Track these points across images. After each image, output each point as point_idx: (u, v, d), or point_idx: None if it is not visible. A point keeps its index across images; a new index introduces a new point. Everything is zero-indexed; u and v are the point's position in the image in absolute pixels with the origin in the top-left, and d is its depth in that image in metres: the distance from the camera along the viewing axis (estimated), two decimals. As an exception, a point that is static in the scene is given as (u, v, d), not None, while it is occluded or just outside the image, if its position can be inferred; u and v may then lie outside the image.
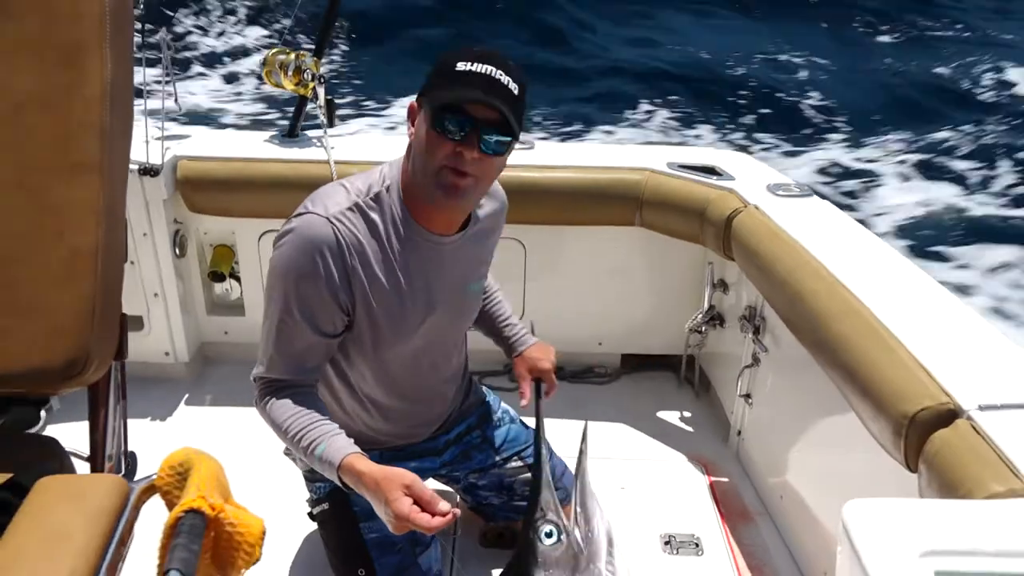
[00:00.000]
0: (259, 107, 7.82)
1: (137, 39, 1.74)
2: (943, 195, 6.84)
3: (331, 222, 1.51)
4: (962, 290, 5.33)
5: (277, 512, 2.13)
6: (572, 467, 1.89)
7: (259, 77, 2.82)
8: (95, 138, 1.22)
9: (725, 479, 2.55)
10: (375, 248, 1.56)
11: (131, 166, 2.55)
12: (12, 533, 0.98)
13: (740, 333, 2.54)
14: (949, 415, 1.47)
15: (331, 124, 2.76)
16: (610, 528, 1.50)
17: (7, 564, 0.92)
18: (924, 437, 1.47)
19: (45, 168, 1.21)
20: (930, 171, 7.26)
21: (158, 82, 2.48)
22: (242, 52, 9.15)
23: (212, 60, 8.90)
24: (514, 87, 1.44)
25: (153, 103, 2.51)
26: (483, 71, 1.41)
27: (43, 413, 1.52)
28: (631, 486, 2.45)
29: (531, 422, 2.15)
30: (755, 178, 2.66)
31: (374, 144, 2.95)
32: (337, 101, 2.80)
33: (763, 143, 7.74)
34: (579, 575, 1.44)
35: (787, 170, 4.68)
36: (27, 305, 1.20)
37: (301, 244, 1.51)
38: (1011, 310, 5.26)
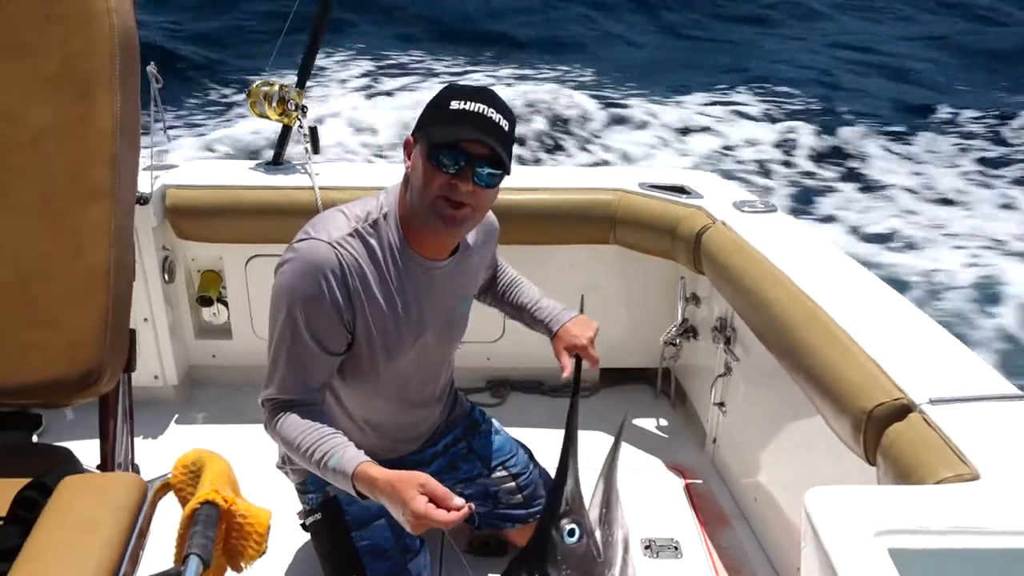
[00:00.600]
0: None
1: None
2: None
3: (334, 247, 1.60)
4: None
5: (272, 525, 2.21)
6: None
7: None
8: (107, 166, 1.32)
9: (702, 484, 2.64)
10: (373, 272, 1.65)
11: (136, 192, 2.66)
12: (41, 527, 1.05)
13: (712, 344, 2.65)
14: (903, 409, 1.57)
15: (316, 151, 2.85)
16: (628, 533, 1.50)
17: (39, 554, 0.99)
18: (881, 431, 1.58)
19: (63, 194, 1.30)
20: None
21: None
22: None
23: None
24: (504, 124, 1.55)
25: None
26: (476, 110, 1.52)
27: (35, 436, 1.58)
28: None
29: (516, 433, 2.25)
30: (722, 196, 2.78)
31: (357, 171, 3.05)
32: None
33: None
34: None
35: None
36: (48, 320, 1.28)
37: (306, 268, 1.59)
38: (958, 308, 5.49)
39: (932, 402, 1.55)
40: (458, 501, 1.40)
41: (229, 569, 1.09)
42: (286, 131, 2.97)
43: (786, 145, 8.41)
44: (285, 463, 1.99)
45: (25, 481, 1.20)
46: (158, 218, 2.76)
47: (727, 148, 8.38)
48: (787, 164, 8.06)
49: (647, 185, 2.85)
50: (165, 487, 1.16)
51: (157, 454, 2.72)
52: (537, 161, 7.56)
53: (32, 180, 1.29)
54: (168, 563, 1.02)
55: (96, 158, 1.31)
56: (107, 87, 1.30)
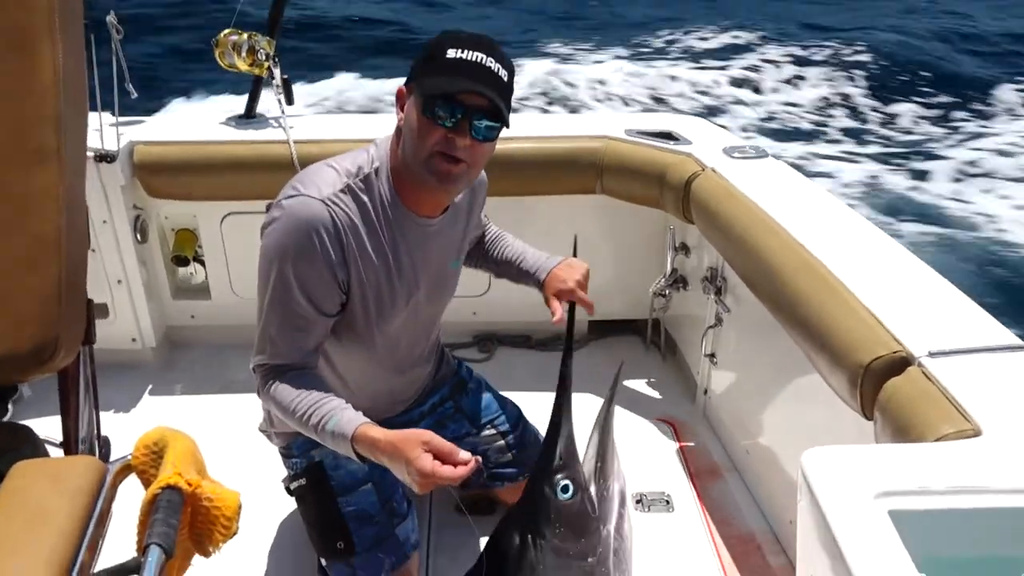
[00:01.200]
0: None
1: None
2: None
3: (326, 203, 1.52)
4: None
5: (255, 489, 2.15)
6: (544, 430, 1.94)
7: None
8: (51, 126, 1.22)
9: (693, 437, 2.61)
10: (367, 229, 1.58)
11: (87, 153, 2.55)
12: None
13: (703, 295, 2.59)
14: (901, 363, 1.52)
15: (290, 103, 2.75)
16: (624, 486, 1.43)
17: None
18: (878, 385, 1.52)
19: (2, 159, 1.20)
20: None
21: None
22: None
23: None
24: (503, 74, 1.46)
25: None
26: (474, 59, 1.43)
27: (10, 406, 1.52)
28: None
29: (504, 389, 2.20)
30: (711, 142, 2.70)
31: (334, 123, 2.94)
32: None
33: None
34: (588, 536, 1.36)
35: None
36: None
37: (297, 225, 1.51)
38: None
39: (932, 355, 1.50)
40: (464, 455, 1.35)
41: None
42: (258, 82, 2.86)
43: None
44: (269, 426, 1.93)
45: None
46: (127, 176, 2.66)
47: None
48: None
49: (634, 132, 2.77)
50: (126, 469, 1.09)
51: (135, 421, 2.68)
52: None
53: None
54: (133, 550, 0.96)
55: (37, 118, 1.21)
56: (46, 39, 1.20)
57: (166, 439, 1.05)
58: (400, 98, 1.54)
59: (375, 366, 1.80)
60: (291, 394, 1.54)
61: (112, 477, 1.11)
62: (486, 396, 2.12)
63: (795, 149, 7.44)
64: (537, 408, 1.96)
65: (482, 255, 2.03)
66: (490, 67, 1.44)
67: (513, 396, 2.19)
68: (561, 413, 1.40)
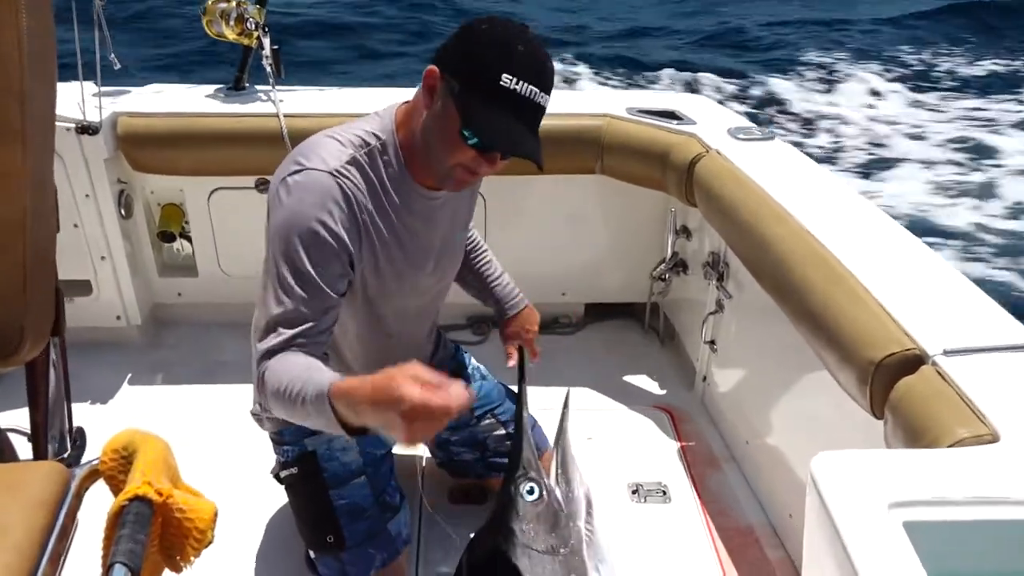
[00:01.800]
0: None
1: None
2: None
3: (335, 176, 1.44)
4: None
5: (242, 475, 2.11)
6: (540, 419, 1.89)
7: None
8: (13, 102, 1.12)
9: (691, 426, 2.55)
10: (375, 202, 1.51)
11: (68, 125, 2.46)
12: None
13: (703, 280, 2.52)
14: (915, 361, 1.45)
15: (279, 75, 2.65)
16: (589, 492, 1.51)
17: None
18: (890, 384, 1.46)
19: None
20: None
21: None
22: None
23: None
24: (547, 101, 1.41)
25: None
26: (529, 95, 1.36)
27: None
28: (598, 436, 2.45)
29: (499, 371, 2.14)
30: (716, 122, 2.61)
31: (325, 97, 2.83)
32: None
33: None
34: (559, 531, 1.45)
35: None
36: None
37: (306, 199, 1.42)
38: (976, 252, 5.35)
39: (947, 353, 1.43)
40: (456, 387, 1.11)
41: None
42: (247, 52, 2.75)
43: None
44: (261, 410, 1.85)
45: None
46: (110, 149, 2.57)
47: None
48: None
49: (636, 110, 2.68)
50: (93, 475, 1.01)
51: (120, 404, 2.60)
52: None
53: None
54: (100, 563, 0.89)
55: None
56: (8, 6, 1.10)
57: (136, 443, 0.97)
58: (431, 80, 1.42)
59: (377, 342, 1.73)
60: (279, 375, 1.38)
61: (77, 484, 1.03)
62: (486, 384, 2.07)
63: None
64: (533, 391, 1.89)
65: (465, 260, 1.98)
66: (541, 104, 1.39)
67: (508, 378, 2.13)
68: (521, 430, 1.54)
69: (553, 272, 2.92)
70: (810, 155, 2.68)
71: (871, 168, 7.06)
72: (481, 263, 2.01)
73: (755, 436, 2.29)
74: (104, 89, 2.53)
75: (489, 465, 2.03)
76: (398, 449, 1.99)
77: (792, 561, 2.02)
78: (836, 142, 7.66)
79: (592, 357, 2.89)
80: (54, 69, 1.22)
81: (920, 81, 9.43)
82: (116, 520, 0.85)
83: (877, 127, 8.02)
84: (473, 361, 2.12)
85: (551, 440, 1.64)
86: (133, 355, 2.81)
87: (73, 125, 2.45)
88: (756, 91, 9.18)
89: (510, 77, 1.34)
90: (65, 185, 2.52)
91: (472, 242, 1.99)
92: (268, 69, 2.62)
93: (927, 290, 1.66)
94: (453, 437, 2.03)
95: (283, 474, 1.87)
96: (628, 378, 2.79)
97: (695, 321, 2.63)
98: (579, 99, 2.90)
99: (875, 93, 9.07)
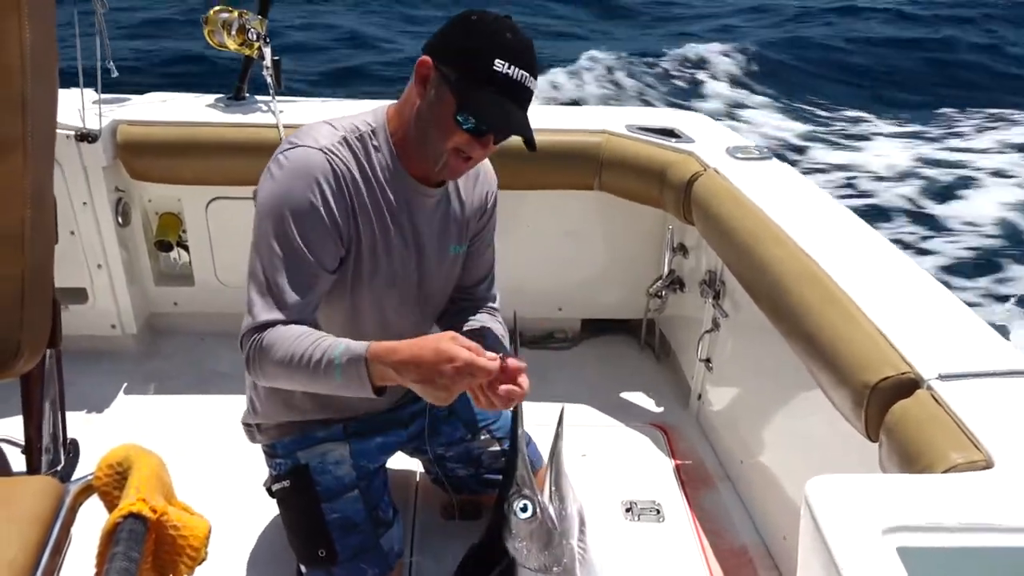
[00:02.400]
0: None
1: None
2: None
3: (325, 153, 1.48)
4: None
5: (234, 487, 2.09)
6: (535, 435, 1.89)
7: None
8: (15, 112, 1.12)
9: (685, 444, 2.55)
10: (366, 184, 1.54)
11: (67, 132, 2.46)
12: None
13: (700, 298, 2.53)
14: (910, 385, 1.46)
15: (279, 86, 2.65)
16: (582, 510, 1.52)
17: None
18: (885, 407, 1.46)
19: None
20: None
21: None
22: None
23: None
24: (535, 86, 1.47)
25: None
26: (520, 79, 1.42)
27: None
28: (592, 453, 2.45)
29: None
30: (714, 140, 2.62)
31: (325, 108, 2.84)
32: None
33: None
34: (552, 549, 1.46)
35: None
36: None
37: (296, 173, 1.46)
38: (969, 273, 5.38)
39: (942, 377, 1.44)
40: (488, 352, 1.36)
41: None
42: (247, 63, 2.77)
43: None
44: (253, 417, 1.84)
45: None
46: (109, 157, 2.57)
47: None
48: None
49: (635, 127, 2.69)
50: (87, 490, 1.01)
51: (114, 414, 2.59)
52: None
53: None
54: (93, 578, 0.89)
55: (0, 104, 1.12)
56: (11, 15, 1.10)
57: (131, 459, 0.96)
58: (423, 70, 1.47)
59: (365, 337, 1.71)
60: (287, 341, 1.42)
61: (71, 499, 1.03)
62: None
63: None
64: (526, 408, 1.89)
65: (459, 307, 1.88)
66: (531, 88, 1.46)
67: None
68: (516, 448, 1.55)
69: (550, 287, 2.92)
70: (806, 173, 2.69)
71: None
72: (476, 316, 1.86)
73: (750, 456, 2.29)
74: (104, 97, 2.53)
75: (483, 481, 2.02)
76: (393, 463, 1.99)
77: None
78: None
79: (587, 373, 2.89)
80: (55, 79, 1.22)
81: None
82: (110, 537, 0.85)
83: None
84: None
85: (545, 456, 1.65)
86: (127, 364, 2.80)
87: (73, 133, 2.45)
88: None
89: (503, 62, 1.40)
90: (63, 192, 2.52)
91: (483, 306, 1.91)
92: (268, 80, 2.63)
93: (923, 314, 1.67)
94: (448, 453, 2.02)
95: (275, 487, 1.86)
96: (623, 395, 2.79)
97: (691, 339, 2.64)
98: (578, 115, 2.91)
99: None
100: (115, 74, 2.41)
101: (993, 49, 11.72)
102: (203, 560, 0.95)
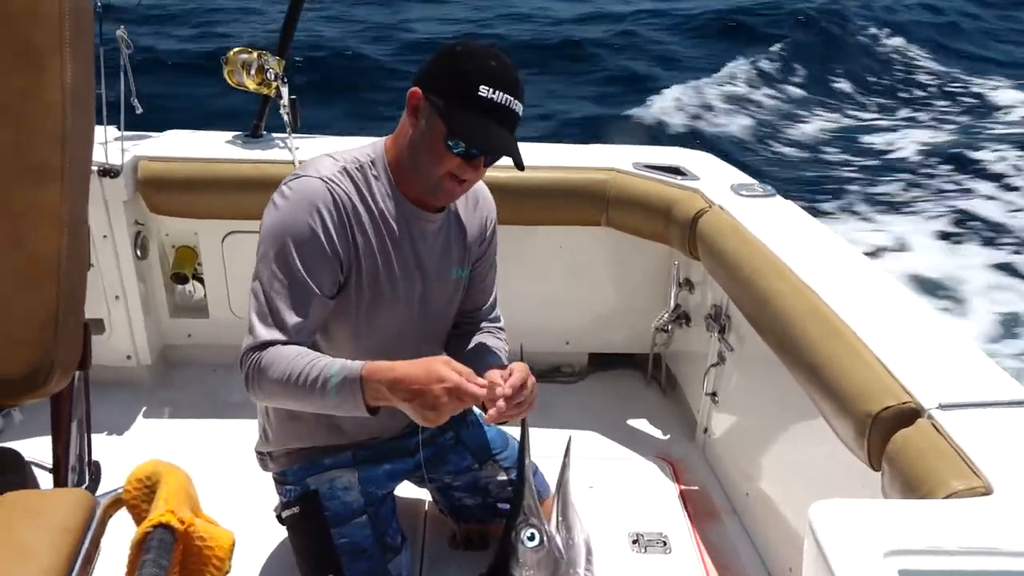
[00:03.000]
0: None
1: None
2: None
3: (326, 182, 1.56)
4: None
5: (245, 515, 2.12)
6: (542, 466, 1.92)
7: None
8: (55, 144, 1.19)
9: (692, 477, 2.57)
10: (367, 212, 1.61)
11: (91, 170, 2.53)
12: None
13: (706, 332, 2.57)
14: (911, 414, 1.49)
15: (296, 124, 2.74)
16: (589, 539, 1.55)
17: None
18: (887, 436, 1.49)
19: (3, 175, 1.18)
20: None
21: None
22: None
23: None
24: (521, 109, 1.53)
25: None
26: (505, 103, 1.49)
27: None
28: (599, 485, 2.47)
29: (510, 428, 2.16)
30: (719, 178, 2.69)
31: (341, 146, 2.91)
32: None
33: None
34: None
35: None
36: None
37: (298, 201, 1.54)
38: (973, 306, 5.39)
39: (943, 407, 1.47)
40: (480, 379, 1.44)
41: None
42: (266, 101, 2.85)
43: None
44: (265, 444, 1.88)
45: None
46: (129, 191, 2.64)
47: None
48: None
49: (642, 165, 2.76)
50: (116, 503, 1.05)
51: (128, 442, 2.63)
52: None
53: None
54: (122, 586, 0.93)
55: (43, 136, 1.18)
56: (55, 55, 1.17)
57: (159, 473, 1.01)
58: (415, 101, 1.56)
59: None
60: (285, 360, 1.48)
61: (102, 512, 1.07)
62: (490, 430, 2.08)
63: None
64: (534, 438, 1.91)
65: (464, 331, 1.93)
66: (516, 111, 1.52)
67: (507, 427, 2.16)
68: (523, 477, 1.58)
69: (557, 322, 2.97)
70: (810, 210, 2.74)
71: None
72: (480, 336, 1.90)
73: (755, 488, 2.30)
74: (126, 133, 2.61)
75: (490, 510, 2.04)
76: (402, 492, 2.01)
77: None
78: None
79: (594, 406, 2.92)
80: (92, 114, 1.29)
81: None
82: (140, 546, 0.89)
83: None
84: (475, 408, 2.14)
85: (552, 487, 1.68)
86: (142, 395, 2.84)
87: (96, 168, 2.53)
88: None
89: (487, 88, 1.47)
90: None
91: (488, 324, 1.96)
92: (285, 118, 2.71)
93: (924, 345, 1.71)
94: (455, 482, 2.04)
95: (285, 514, 1.89)
96: (630, 427, 2.81)
97: (697, 373, 2.67)
98: (586, 153, 2.97)
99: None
100: (139, 111, 2.48)
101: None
102: (227, 572, 0.99)
